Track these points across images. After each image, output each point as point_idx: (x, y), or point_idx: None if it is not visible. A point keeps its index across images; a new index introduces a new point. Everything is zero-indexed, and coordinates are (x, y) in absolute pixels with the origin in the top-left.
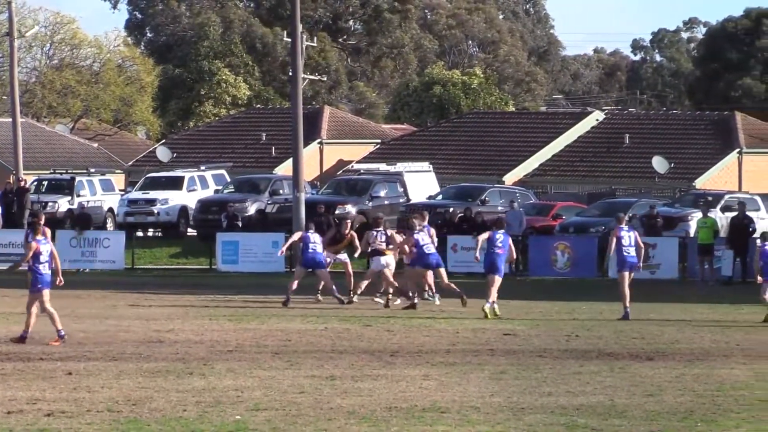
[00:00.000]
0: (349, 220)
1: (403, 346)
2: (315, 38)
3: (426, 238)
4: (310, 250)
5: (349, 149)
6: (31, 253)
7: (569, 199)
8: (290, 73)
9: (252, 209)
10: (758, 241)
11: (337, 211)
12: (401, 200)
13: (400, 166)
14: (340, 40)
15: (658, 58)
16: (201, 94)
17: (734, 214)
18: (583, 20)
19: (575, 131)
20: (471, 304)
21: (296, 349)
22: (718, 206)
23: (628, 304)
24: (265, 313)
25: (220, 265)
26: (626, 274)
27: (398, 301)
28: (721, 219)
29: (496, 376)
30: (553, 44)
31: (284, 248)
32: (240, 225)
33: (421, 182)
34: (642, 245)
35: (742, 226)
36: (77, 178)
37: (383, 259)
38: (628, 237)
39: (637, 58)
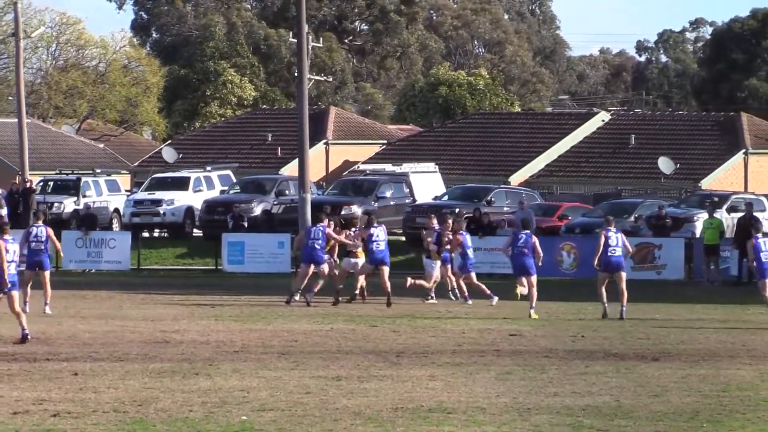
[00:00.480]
0: (332, 221)
1: (409, 347)
2: (321, 39)
3: (382, 235)
4: (309, 245)
5: (355, 150)
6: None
7: (575, 200)
8: (296, 74)
9: (258, 210)
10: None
11: (342, 212)
12: (407, 201)
13: (405, 167)
14: (346, 41)
15: (663, 58)
16: (207, 95)
17: (740, 214)
18: (588, 21)
19: (581, 132)
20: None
21: (302, 350)
22: (724, 207)
23: (605, 302)
24: (270, 314)
25: (226, 266)
26: (605, 275)
27: (431, 299)
28: (727, 220)
29: (502, 377)
30: (559, 45)
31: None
32: (246, 225)
33: (427, 183)
34: (629, 248)
35: (748, 227)
36: (83, 179)
37: (354, 260)
38: (616, 238)
39: (643, 59)
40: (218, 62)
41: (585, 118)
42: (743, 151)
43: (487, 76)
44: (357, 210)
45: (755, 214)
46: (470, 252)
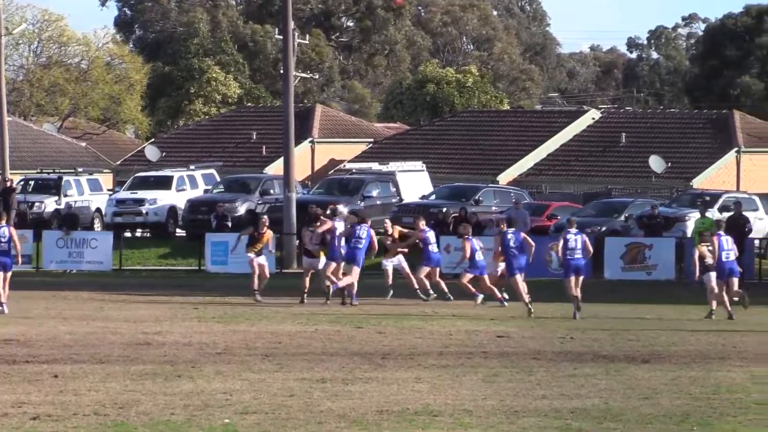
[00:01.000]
0: (266, 218)
1: (394, 349)
2: (307, 35)
3: (363, 234)
4: (351, 245)
5: (341, 148)
6: None
7: (565, 199)
8: (282, 71)
9: (242, 209)
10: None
11: (328, 211)
12: (394, 200)
13: (392, 166)
14: (333, 37)
15: (654, 55)
16: (191, 93)
17: (731, 213)
18: (579, 17)
19: (571, 130)
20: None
21: (286, 352)
22: (716, 206)
23: (579, 305)
24: (254, 315)
25: (209, 266)
26: (572, 279)
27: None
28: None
29: (490, 379)
30: (548, 42)
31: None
32: (230, 225)
33: (414, 182)
34: (590, 249)
35: (737, 226)
36: (64, 178)
37: (312, 259)
38: (574, 240)
39: (634, 55)
40: (202, 59)
41: (575, 116)
42: (736, 149)
43: (476, 74)
44: (343, 210)
45: (746, 213)
46: (478, 255)
